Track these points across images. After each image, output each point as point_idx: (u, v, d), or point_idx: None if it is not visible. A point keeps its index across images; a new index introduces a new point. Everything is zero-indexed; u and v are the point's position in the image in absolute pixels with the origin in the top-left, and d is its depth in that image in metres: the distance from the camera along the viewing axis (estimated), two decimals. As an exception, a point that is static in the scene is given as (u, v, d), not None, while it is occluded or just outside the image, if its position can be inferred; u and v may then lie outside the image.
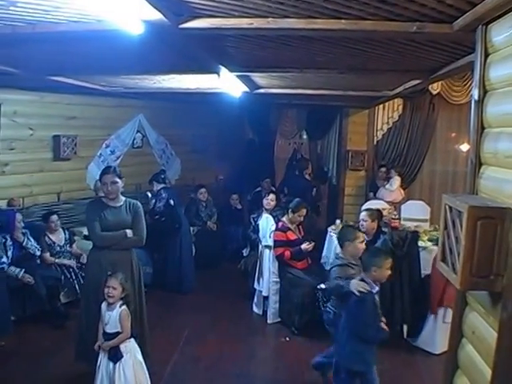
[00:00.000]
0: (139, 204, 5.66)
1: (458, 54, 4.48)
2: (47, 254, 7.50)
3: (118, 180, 5.37)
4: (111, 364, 4.84)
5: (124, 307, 4.92)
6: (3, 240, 6.83)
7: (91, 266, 5.51)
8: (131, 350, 4.96)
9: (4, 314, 6.44)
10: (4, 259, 6.66)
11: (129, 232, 5.42)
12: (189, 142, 11.92)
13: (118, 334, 4.87)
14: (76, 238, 8.23)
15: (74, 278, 7.46)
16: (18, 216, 7.20)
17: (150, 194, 8.94)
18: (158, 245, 8.61)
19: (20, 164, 8.12)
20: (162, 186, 8.79)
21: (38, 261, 7.40)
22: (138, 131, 10.56)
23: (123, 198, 5.53)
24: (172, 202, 8.63)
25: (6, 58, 5.12)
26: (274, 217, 7.67)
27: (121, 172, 5.51)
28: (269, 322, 7.43)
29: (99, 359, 4.91)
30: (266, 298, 7.59)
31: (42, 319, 7.01)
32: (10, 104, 7.80)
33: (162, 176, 8.95)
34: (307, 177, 11.15)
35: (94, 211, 5.41)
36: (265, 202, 8.06)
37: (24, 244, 7.20)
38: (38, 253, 7.35)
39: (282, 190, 11.04)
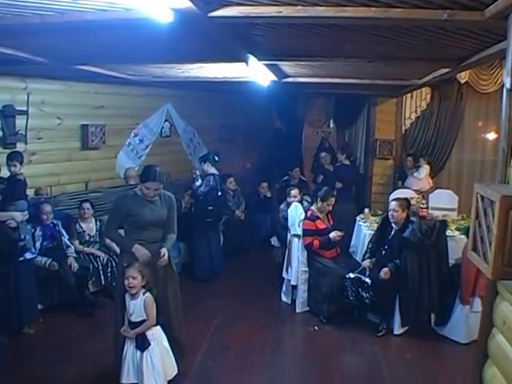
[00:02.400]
0: (173, 197, 5.59)
1: (488, 42, 4.43)
2: (76, 242, 7.59)
3: (160, 186, 5.28)
4: (138, 353, 4.83)
5: (148, 294, 4.89)
6: (32, 230, 6.86)
7: (125, 258, 5.27)
8: (158, 337, 4.96)
9: (31, 303, 6.54)
10: (32, 250, 6.69)
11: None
12: (216, 131, 11.98)
13: (143, 322, 4.86)
14: (105, 227, 8.30)
15: (101, 267, 7.53)
16: (45, 207, 7.24)
17: (198, 173, 8.79)
18: (194, 233, 8.72)
19: (48, 153, 8.14)
20: (214, 171, 8.71)
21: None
22: (166, 120, 10.59)
23: None
24: (220, 192, 8.62)
25: (34, 47, 5.16)
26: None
27: (161, 175, 5.35)
28: (297, 311, 7.43)
29: (125, 349, 4.91)
30: (294, 287, 7.58)
31: (71, 308, 7.09)
32: (37, 93, 7.85)
33: (216, 158, 8.88)
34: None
35: (123, 208, 5.29)
36: (288, 199, 8.08)
37: (64, 241, 7.34)
38: (70, 250, 7.39)
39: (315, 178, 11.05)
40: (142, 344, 4.83)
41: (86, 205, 7.84)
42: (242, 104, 11.56)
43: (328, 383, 5.61)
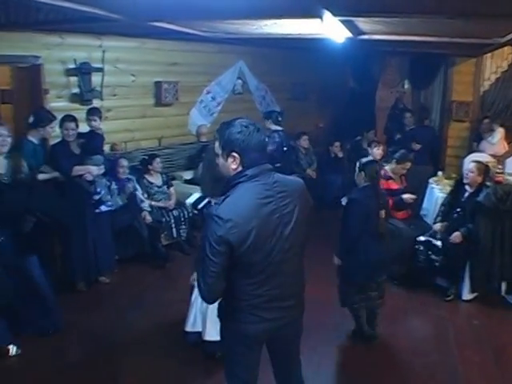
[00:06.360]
0: None
1: None
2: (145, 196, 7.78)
3: None
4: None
5: None
6: (108, 183, 7.09)
7: None
8: None
9: (109, 253, 6.88)
10: (108, 203, 6.90)
11: None
12: (289, 89, 11.99)
13: None
14: (176, 181, 8.52)
15: (173, 221, 7.72)
16: (122, 161, 7.46)
17: None
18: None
19: (123, 110, 8.37)
20: (277, 127, 8.67)
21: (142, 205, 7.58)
22: (238, 77, 10.64)
23: None
24: (285, 148, 8.57)
25: (109, 4, 5.18)
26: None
27: None
28: (366, 271, 7.38)
29: (193, 296, 4.99)
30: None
31: (144, 260, 7.36)
32: (112, 51, 8.04)
33: (279, 118, 8.82)
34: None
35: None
36: (376, 152, 7.98)
37: (138, 195, 7.55)
38: (144, 204, 7.57)
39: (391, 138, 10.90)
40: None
41: (159, 159, 8.00)
42: (316, 62, 11.42)
43: (394, 345, 5.60)
